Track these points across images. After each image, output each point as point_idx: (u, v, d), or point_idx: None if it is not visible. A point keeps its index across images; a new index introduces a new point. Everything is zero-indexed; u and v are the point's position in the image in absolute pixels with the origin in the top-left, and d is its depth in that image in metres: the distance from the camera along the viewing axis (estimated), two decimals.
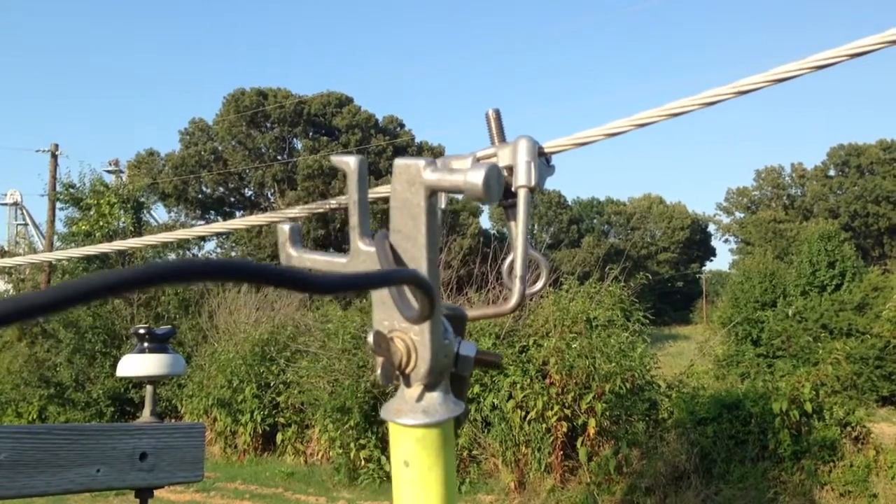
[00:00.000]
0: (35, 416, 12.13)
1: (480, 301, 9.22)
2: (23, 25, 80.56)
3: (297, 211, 1.32)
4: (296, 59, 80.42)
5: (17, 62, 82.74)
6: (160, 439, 1.92)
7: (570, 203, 51.12)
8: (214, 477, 8.94)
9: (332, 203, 1.30)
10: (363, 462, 8.32)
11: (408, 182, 0.59)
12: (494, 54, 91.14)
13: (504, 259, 0.89)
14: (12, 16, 78.42)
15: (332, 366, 8.87)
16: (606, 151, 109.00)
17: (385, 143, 33.94)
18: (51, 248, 19.26)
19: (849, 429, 7.05)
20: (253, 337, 10.73)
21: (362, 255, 0.61)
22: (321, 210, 1.35)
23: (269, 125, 34.47)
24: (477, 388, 7.94)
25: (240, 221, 1.52)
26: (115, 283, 0.32)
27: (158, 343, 2.34)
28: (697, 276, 51.41)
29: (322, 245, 29.28)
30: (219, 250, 30.84)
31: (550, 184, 0.94)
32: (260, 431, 9.97)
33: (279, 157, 34.22)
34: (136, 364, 2.29)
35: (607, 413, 7.26)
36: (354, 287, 0.47)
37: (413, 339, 0.60)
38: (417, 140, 36.16)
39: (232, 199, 36.04)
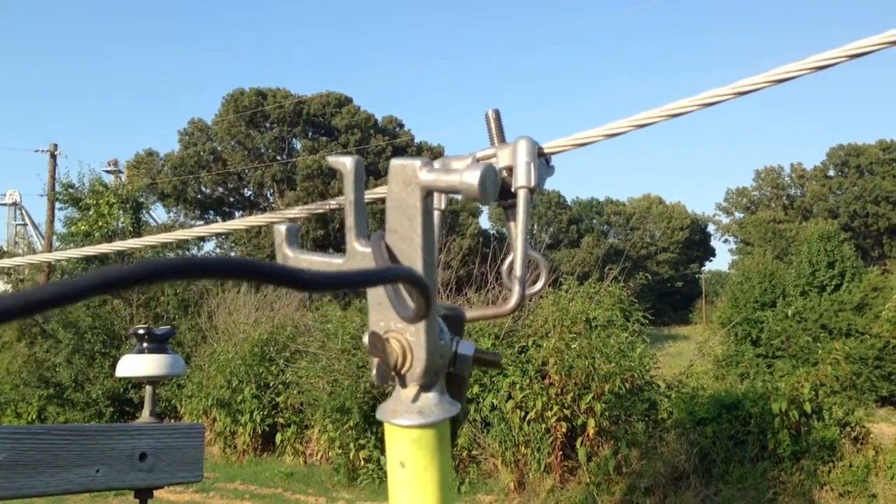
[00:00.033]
0: (34, 417, 12.13)
1: (480, 301, 9.22)
2: (22, 25, 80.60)
3: (296, 211, 1.32)
4: (295, 59, 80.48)
5: (16, 62, 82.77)
6: (159, 440, 1.92)
7: (569, 203, 51.12)
8: (214, 477, 8.94)
9: (332, 203, 1.30)
10: (362, 462, 8.32)
11: (404, 182, 0.59)
12: (494, 54, 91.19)
13: (504, 259, 0.89)
14: (12, 16, 78.45)
15: (331, 366, 8.87)
16: (606, 152, 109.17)
17: (384, 144, 33.95)
18: (50, 248, 19.26)
19: (848, 429, 7.05)
20: (252, 337, 10.73)
21: (359, 256, 0.62)
22: (321, 210, 1.35)
23: (268, 125, 34.47)
24: (476, 389, 7.94)
25: (239, 222, 1.52)
26: (115, 279, 0.32)
27: (158, 343, 2.34)
28: (697, 276, 51.41)
29: (321, 245, 29.28)
30: (218, 250, 30.83)
31: (550, 184, 0.94)
32: (259, 432, 9.97)
33: (278, 158, 34.22)
34: (135, 364, 2.29)
35: (607, 413, 7.26)
36: (349, 284, 0.47)
37: (409, 340, 0.60)
38: (417, 140, 36.16)
39: (231, 200, 36.04)
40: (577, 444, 7.22)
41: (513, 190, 0.85)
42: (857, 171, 46.25)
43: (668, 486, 6.79)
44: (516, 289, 0.81)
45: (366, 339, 0.58)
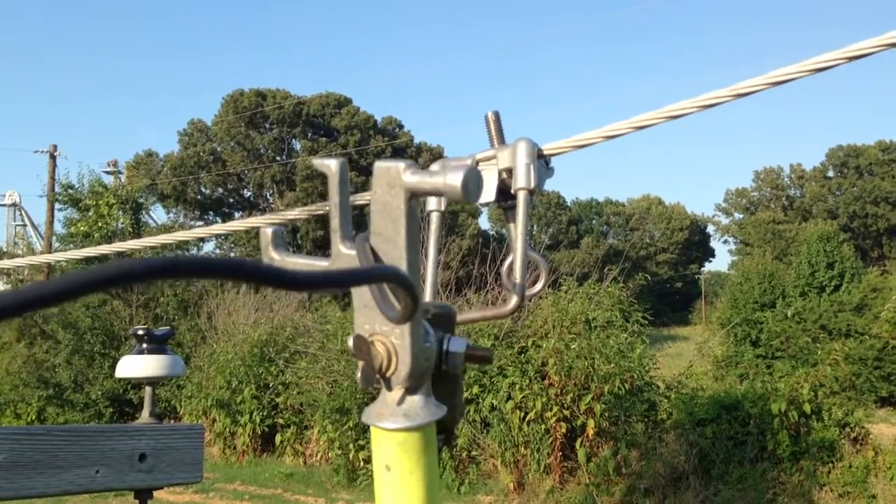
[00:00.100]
0: (34, 418, 12.12)
1: (479, 302, 9.22)
2: (21, 26, 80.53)
3: (296, 212, 1.32)
4: (295, 59, 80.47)
5: (15, 63, 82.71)
6: (159, 440, 1.92)
7: (569, 204, 51.15)
8: (213, 478, 8.94)
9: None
10: (362, 463, 8.31)
11: (388, 185, 0.59)
12: (494, 55, 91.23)
13: (503, 260, 0.89)
14: (11, 16, 78.40)
15: (330, 367, 8.87)
16: (605, 153, 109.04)
17: (384, 144, 33.96)
18: (49, 249, 19.26)
19: (847, 430, 7.06)
20: (252, 338, 10.72)
21: (344, 258, 0.61)
22: (320, 211, 1.35)
23: (267, 126, 34.49)
24: (476, 389, 7.94)
25: (239, 223, 1.52)
26: (115, 276, 0.32)
27: (157, 344, 2.33)
28: (696, 276, 51.42)
29: (322, 246, 29.28)
30: (217, 251, 30.83)
31: (550, 185, 0.94)
32: (259, 432, 9.97)
33: (278, 158, 34.24)
34: (134, 365, 2.29)
35: (606, 414, 7.26)
36: (335, 284, 0.47)
37: (394, 343, 0.60)
38: (416, 141, 36.20)
39: (231, 200, 36.05)
40: (577, 444, 7.22)
41: (512, 191, 0.85)
42: (857, 171, 46.30)
43: (668, 486, 6.79)
44: (516, 290, 0.81)
45: (350, 341, 0.58)
